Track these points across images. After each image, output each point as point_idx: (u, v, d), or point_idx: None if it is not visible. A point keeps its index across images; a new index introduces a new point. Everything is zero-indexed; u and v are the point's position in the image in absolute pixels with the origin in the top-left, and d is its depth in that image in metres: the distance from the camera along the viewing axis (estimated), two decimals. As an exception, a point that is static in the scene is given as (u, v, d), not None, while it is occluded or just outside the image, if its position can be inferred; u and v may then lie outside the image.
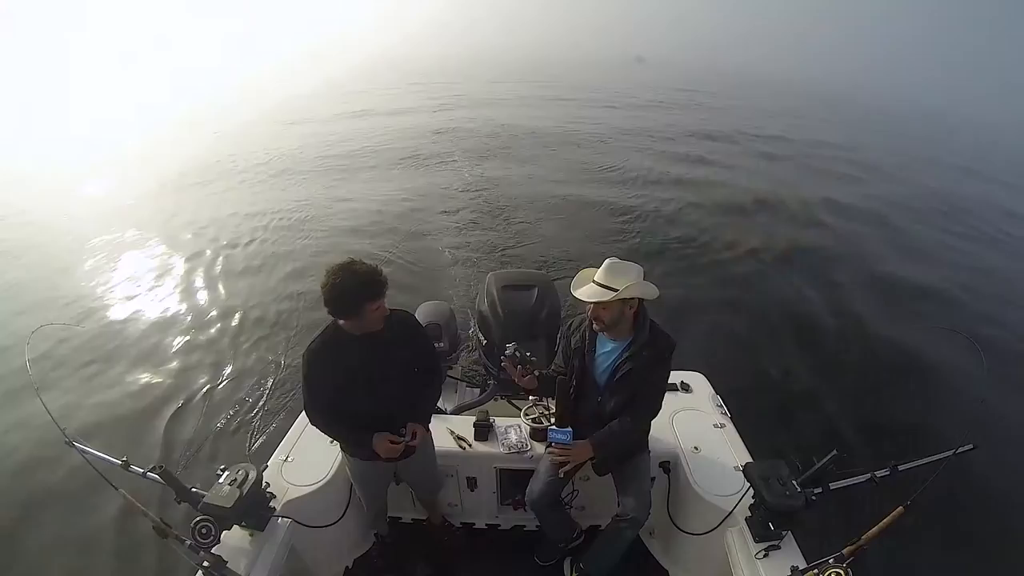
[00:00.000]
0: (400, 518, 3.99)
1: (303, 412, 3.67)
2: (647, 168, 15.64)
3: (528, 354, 2.91)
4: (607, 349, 2.88)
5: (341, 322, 2.60)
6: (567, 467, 2.98)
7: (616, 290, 2.60)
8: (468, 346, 4.99)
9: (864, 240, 11.39)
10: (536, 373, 2.98)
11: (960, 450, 2.37)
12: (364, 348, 2.65)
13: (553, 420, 3.30)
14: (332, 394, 2.67)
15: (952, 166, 19.38)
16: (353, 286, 2.45)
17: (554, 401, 3.20)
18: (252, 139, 17.81)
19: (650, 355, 2.73)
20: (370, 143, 17.23)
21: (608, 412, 2.90)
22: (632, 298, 2.69)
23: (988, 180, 18.36)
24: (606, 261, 2.71)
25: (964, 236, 12.55)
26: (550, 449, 3.00)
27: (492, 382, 4.46)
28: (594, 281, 2.68)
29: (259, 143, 17.24)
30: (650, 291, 2.70)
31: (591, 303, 2.70)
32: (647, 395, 2.82)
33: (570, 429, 2.95)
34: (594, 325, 2.83)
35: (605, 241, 10.66)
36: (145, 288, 8.67)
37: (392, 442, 2.77)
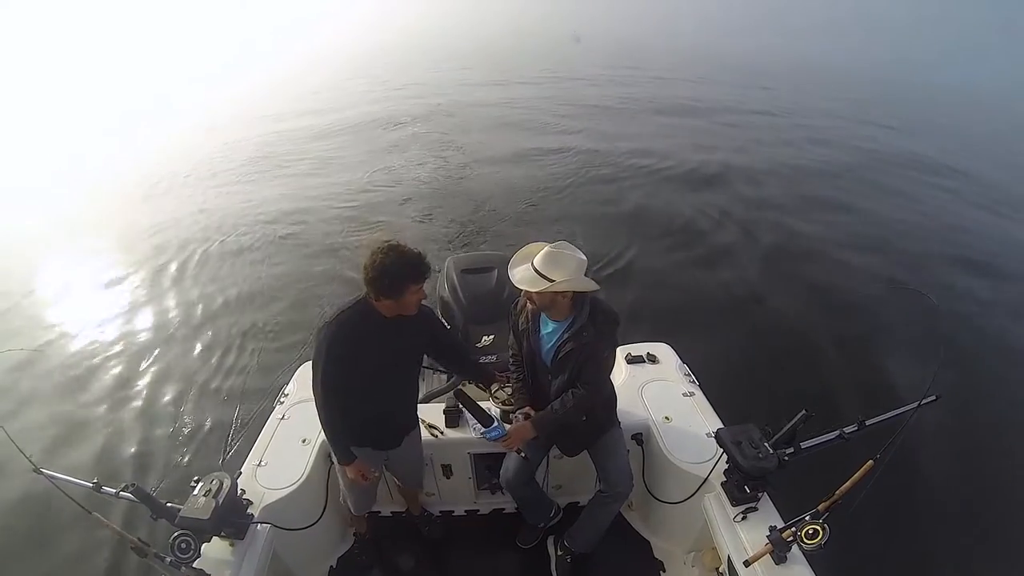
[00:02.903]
0: (379, 512, 3.97)
1: (272, 415, 3.68)
2: (602, 143, 15.56)
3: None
4: (549, 330, 2.87)
5: (374, 300, 2.59)
6: (516, 446, 3.00)
7: (550, 281, 2.56)
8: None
9: (821, 205, 11.57)
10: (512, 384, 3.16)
11: (923, 402, 2.45)
12: (390, 330, 2.65)
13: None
14: (347, 368, 2.64)
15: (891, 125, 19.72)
16: (401, 266, 2.46)
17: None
18: (189, 137, 17.22)
19: (591, 334, 2.71)
20: (304, 138, 16.81)
21: (554, 391, 2.90)
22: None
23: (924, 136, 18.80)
24: (547, 248, 2.63)
25: (917, 193, 12.86)
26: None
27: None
28: (532, 264, 2.63)
29: (198, 141, 16.68)
30: (585, 286, 2.65)
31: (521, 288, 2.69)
32: (590, 372, 2.79)
33: (495, 422, 2.97)
34: (527, 304, 2.82)
35: (562, 217, 10.67)
36: (102, 306, 8.36)
37: (363, 476, 2.90)
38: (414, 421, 3.22)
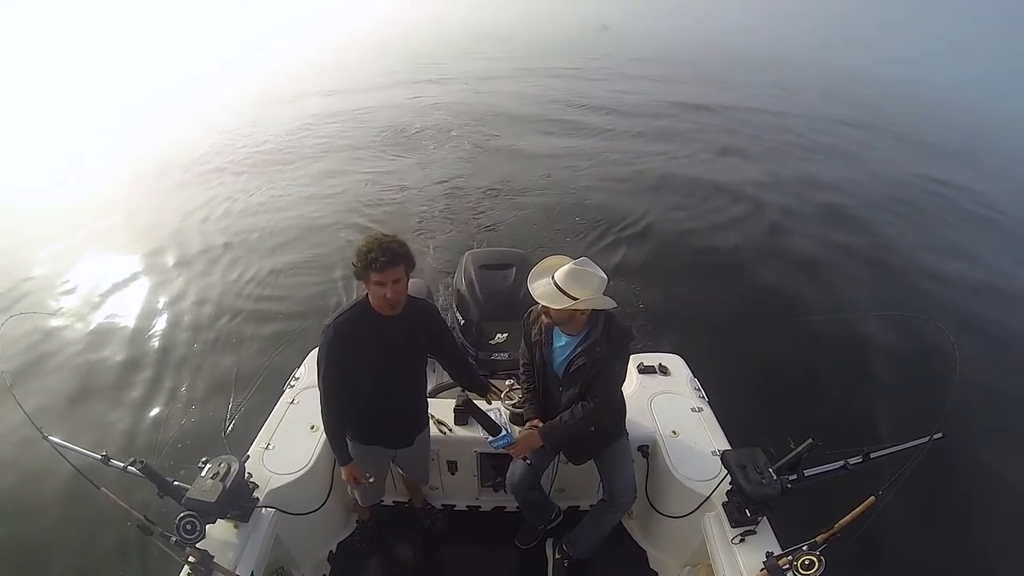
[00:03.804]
0: (382, 501, 4.02)
1: (282, 399, 3.73)
2: (627, 145, 15.48)
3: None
4: (562, 343, 2.86)
5: (371, 298, 2.61)
6: (523, 454, 3.05)
7: (572, 299, 2.55)
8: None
9: (850, 227, 11.24)
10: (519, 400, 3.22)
11: (930, 439, 2.44)
12: (389, 329, 2.65)
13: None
14: (348, 369, 2.66)
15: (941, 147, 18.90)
16: (361, 252, 2.46)
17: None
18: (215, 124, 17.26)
19: (604, 349, 2.70)
20: (334, 126, 16.81)
21: (564, 402, 2.90)
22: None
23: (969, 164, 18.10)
24: (570, 265, 2.61)
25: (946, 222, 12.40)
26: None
27: (470, 362, 4.48)
28: (553, 279, 2.61)
29: (230, 126, 16.78)
30: (605, 304, 2.64)
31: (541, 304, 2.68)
32: (601, 388, 2.79)
33: (504, 431, 2.99)
34: (542, 317, 2.82)
35: (581, 220, 10.57)
36: (119, 278, 8.47)
37: (356, 479, 2.95)
38: (424, 420, 3.24)
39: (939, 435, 2.46)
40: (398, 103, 19.14)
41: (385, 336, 2.66)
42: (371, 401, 2.82)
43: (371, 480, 3.07)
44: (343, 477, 2.97)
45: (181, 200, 11.37)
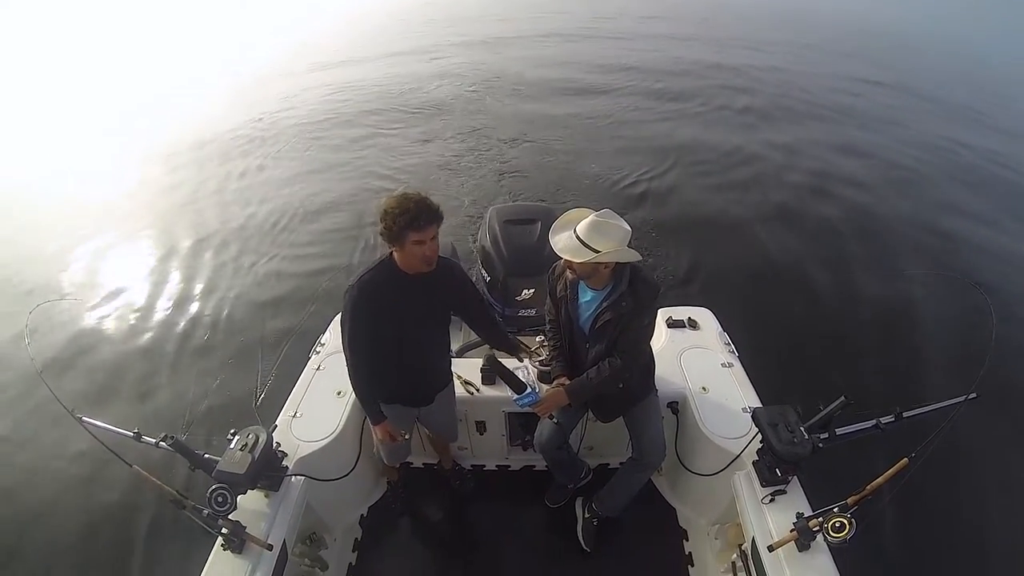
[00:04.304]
0: (411, 463, 4.07)
1: (307, 365, 3.74)
2: (650, 104, 14.97)
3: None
4: (587, 298, 2.81)
5: (396, 257, 2.59)
6: (549, 412, 3.04)
7: (594, 251, 2.48)
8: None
9: (888, 184, 10.72)
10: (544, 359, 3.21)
11: (965, 399, 2.36)
12: (414, 288, 2.64)
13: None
14: (373, 329, 2.65)
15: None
16: (399, 212, 2.41)
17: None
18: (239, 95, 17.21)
19: (630, 304, 2.64)
20: (357, 90, 16.70)
21: (590, 359, 2.86)
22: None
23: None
24: (592, 216, 2.55)
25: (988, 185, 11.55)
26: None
27: (496, 319, 4.46)
28: (575, 232, 2.55)
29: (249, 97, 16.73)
30: (630, 257, 2.57)
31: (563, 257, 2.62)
32: (627, 344, 2.75)
33: (530, 388, 2.94)
34: (567, 272, 2.76)
35: (610, 170, 10.39)
36: (142, 255, 8.58)
37: (391, 436, 2.96)
38: (447, 378, 3.23)
39: (974, 395, 2.37)
40: (415, 71, 18.77)
41: (410, 295, 2.64)
42: (394, 360, 2.81)
43: (406, 436, 3.10)
44: (378, 436, 2.99)
45: (202, 175, 11.43)
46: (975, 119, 15.28)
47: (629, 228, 2.57)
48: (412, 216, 2.39)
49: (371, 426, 2.99)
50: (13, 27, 34.08)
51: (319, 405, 3.42)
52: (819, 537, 2.35)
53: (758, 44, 22.50)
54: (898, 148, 12.55)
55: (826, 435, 2.64)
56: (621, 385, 2.89)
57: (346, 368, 2.81)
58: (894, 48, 24.55)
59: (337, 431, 3.27)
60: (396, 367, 2.86)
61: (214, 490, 2.47)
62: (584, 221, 2.56)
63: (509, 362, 3.09)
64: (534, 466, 4.01)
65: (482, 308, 3.17)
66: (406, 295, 2.63)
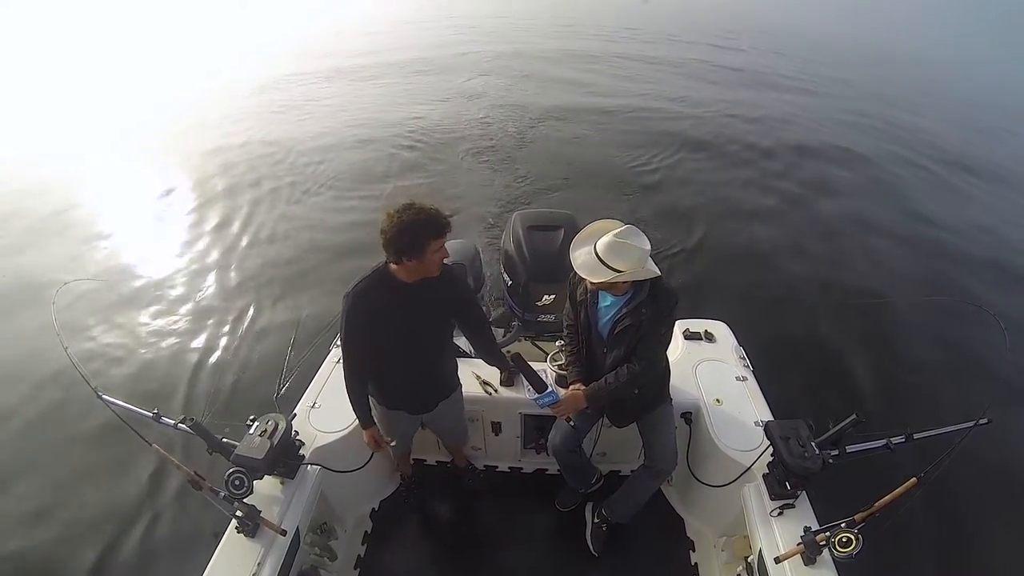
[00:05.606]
0: (424, 460, 4.11)
1: (328, 357, 3.79)
2: (681, 111, 15.00)
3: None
4: (607, 303, 2.83)
5: (393, 266, 2.55)
6: (567, 414, 3.04)
7: (614, 271, 2.51)
8: (492, 286, 5.01)
9: (907, 201, 10.66)
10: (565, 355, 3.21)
11: (976, 424, 2.37)
12: (411, 296, 2.60)
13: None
14: (369, 338, 2.65)
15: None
16: (420, 223, 2.39)
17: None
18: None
19: (650, 312, 2.65)
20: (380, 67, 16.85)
21: (608, 365, 2.87)
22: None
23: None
24: (612, 236, 2.55)
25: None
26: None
27: (516, 323, 4.46)
28: (595, 249, 2.56)
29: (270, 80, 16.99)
30: (647, 274, 2.58)
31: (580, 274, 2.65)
32: (645, 350, 2.75)
33: (550, 388, 2.98)
34: (587, 282, 2.77)
35: (633, 184, 10.41)
36: (168, 237, 8.74)
37: (376, 442, 3.00)
38: (452, 384, 3.21)
39: (985, 420, 2.38)
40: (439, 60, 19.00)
41: (406, 303, 2.61)
42: (393, 367, 2.83)
43: (392, 444, 3.12)
44: (364, 440, 3.01)
45: (226, 151, 11.78)
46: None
47: (648, 247, 2.58)
48: (435, 225, 2.42)
49: (366, 429, 3.01)
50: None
51: (338, 396, 3.42)
52: (825, 552, 2.37)
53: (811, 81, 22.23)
54: (929, 175, 12.32)
55: (836, 452, 2.66)
56: (637, 391, 2.91)
57: None
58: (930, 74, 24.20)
59: (354, 424, 3.29)
60: (394, 375, 2.90)
61: (231, 473, 2.53)
62: (604, 239, 2.56)
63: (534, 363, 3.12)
64: (547, 470, 4.03)
65: (477, 317, 3.11)
66: (401, 304, 2.61)
